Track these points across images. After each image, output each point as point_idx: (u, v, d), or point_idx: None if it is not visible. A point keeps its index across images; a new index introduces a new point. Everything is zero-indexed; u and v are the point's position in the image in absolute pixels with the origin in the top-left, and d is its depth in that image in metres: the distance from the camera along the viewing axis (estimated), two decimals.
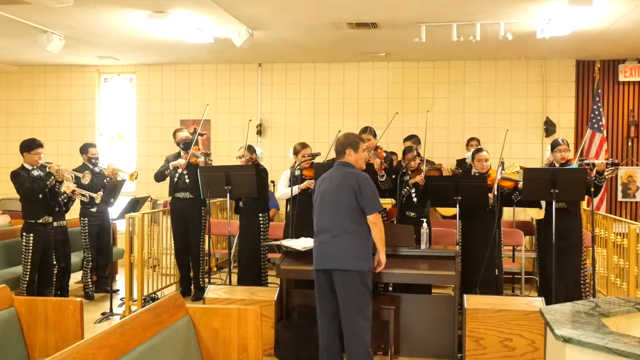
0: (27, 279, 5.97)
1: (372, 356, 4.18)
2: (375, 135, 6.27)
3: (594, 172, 5.57)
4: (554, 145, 5.94)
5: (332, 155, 6.47)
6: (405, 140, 6.90)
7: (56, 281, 6.46)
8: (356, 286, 4.13)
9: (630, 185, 8.61)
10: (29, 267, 5.97)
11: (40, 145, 6.11)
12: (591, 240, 5.57)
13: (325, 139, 8.59)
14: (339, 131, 7.03)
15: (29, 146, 6.06)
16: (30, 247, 5.97)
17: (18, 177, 5.96)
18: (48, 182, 6.01)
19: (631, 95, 8.64)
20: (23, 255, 5.99)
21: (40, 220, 6.05)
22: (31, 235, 5.98)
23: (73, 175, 6.52)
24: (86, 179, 6.50)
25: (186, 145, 6.75)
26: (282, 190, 6.19)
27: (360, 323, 4.13)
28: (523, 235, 6.89)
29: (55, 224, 6.44)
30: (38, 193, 5.96)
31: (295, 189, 5.88)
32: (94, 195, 6.62)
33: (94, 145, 7.31)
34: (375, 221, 4.18)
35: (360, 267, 4.13)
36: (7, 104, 10.03)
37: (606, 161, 5.56)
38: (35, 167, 6.09)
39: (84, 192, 6.62)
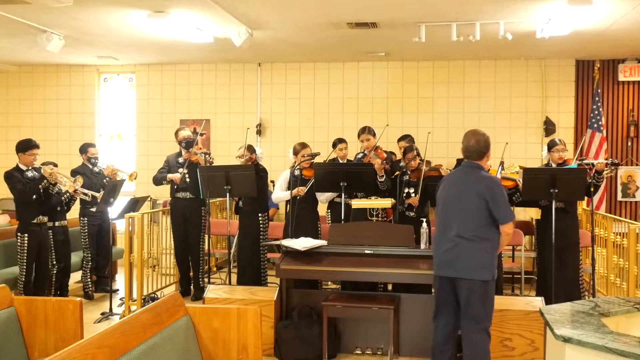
0: (24, 279, 5.97)
1: None
2: (374, 135, 6.27)
3: (593, 171, 5.57)
4: (551, 146, 5.94)
5: (330, 154, 6.52)
6: (399, 140, 6.91)
7: (56, 281, 6.47)
8: (479, 296, 3.98)
9: (630, 185, 8.62)
10: (24, 267, 5.97)
11: (35, 146, 6.10)
12: (591, 240, 5.58)
13: (325, 139, 8.60)
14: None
15: (25, 147, 6.05)
16: (25, 248, 5.96)
17: (11, 178, 5.95)
18: (40, 186, 6.01)
19: (631, 95, 8.64)
20: (19, 256, 5.99)
21: (35, 221, 6.04)
22: (25, 235, 5.98)
23: (65, 179, 6.50)
24: (78, 183, 6.48)
25: (188, 144, 6.76)
26: (277, 193, 6.20)
27: (481, 334, 4.00)
28: (523, 235, 6.89)
29: (56, 223, 6.44)
30: (30, 195, 5.95)
31: (288, 195, 5.94)
32: (97, 194, 6.62)
33: (93, 145, 7.31)
34: (510, 231, 3.99)
35: (484, 276, 3.97)
36: (7, 103, 10.02)
37: (606, 161, 5.56)
38: (29, 168, 6.08)
39: (86, 191, 6.63)
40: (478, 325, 3.99)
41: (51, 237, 6.38)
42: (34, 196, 5.98)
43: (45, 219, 6.17)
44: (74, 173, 6.83)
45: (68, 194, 6.46)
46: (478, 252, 3.96)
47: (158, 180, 6.85)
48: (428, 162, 6.97)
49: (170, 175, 6.75)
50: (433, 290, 4.27)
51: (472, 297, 3.97)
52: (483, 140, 4.08)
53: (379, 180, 5.89)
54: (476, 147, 4.07)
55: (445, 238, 4.07)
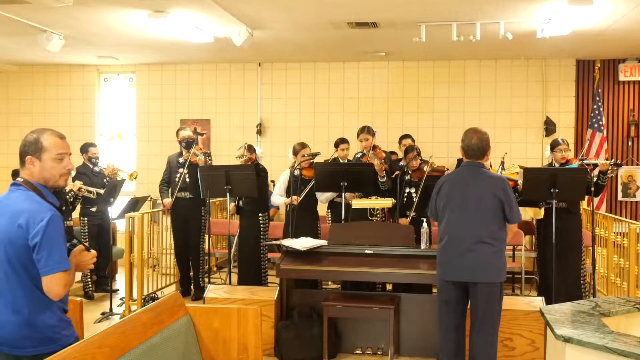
0: None
1: None
2: (373, 135, 6.26)
3: (597, 171, 5.57)
4: (554, 145, 5.93)
5: (332, 154, 6.51)
6: (401, 139, 6.91)
7: None
8: (497, 299, 3.93)
9: (630, 185, 8.61)
10: None
11: None
12: (591, 239, 5.57)
13: (325, 139, 8.59)
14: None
15: None
16: None
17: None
18: None
19: (631, 95, 8.63)
20: None
21: None
22: None
23: None
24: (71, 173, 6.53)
25: (188, 144, 6.76)
26: (275, 197, 6.22)
27: (495, 337, 3.97)
28: (523, 235, 6.88)
29: None
30: None
31: (285, 201, 6.04)
32: (101, 191, 6.66)
33: (93, 145, 7.31)
34: (515, 230, 4.11)
35: (502, 277, 3.94)
36: (7, 103, 10.02)
37: (609, 161, 5.55)
38: None
39: (90, 188, 6.67)
40: (494, 329, 3.96)
41: None
42: None
43: None
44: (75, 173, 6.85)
45: (72, 192, 6.50)
46: (497, 254, 3.93)
47: (160, 193, 6.99)
48: (428, 162, 6.99)
49: (164, 201, 6.87)
50: (438, 296, 4.13)
51: (491, 300, 3.91)
52: (485, 138, 4.04)
53: (380, 180, 5.88)
54: (479, 146, 4.01)
55: (459, 241, 3.94)
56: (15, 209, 2.59)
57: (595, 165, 5.59)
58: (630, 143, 8.63)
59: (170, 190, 6.93)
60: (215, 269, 8.21)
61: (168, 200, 6.82)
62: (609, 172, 5.55)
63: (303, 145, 6.12)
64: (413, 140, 6.85)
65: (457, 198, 4.00)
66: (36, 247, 2.49)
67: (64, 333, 2.64)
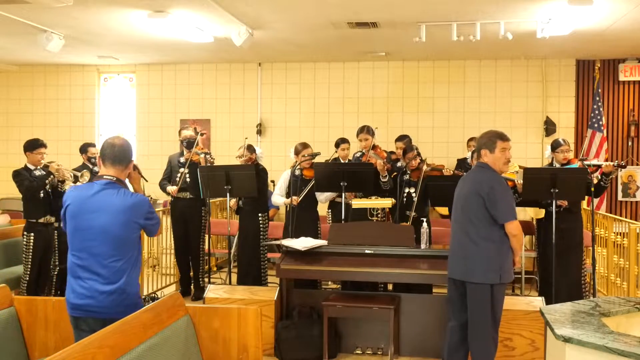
0: (27, 278, 5.97)
1: None
2: (373, 135, 6.25)
3: (600, 172, 5.56)
4: (556, 146, 5.91)
5: (332, 154, 6.51)
6: (396, 140, 6.91)
7: (57, 281, 6.46)
8: (487, 301, 3.89)
9: (630, 185, 8.61)
10: (29, 266, 5.98)
11: (42, 145, 6.14)
12: (591, 240, 5.57)
13: (325, 139, 8.60)
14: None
15: (31, 146, 6.11)
16: (31, 247, 5.97)
17: (18, 176, 6.00)
18: (47, 181, 6.03)
19: (631, 95, 8.64)
20: (24, 255, 6.00)
21: (41, 220, 6.05)
22: (32, 234, 5.98)
23: (72, 175, 6.53)
24: (84, 178, 6.50)
25: (189, 144, 6.76)
26: (276, 197, 6.21)
27: (487, 339, 3.92)
28: (523, 235, 6.86)
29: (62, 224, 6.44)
30: (36, 192, 5.97)
31: (285, 202, 6.04)
32: None
33: (93, 145, 7.29)
34: (514, 232, 3.89)
35: (489, 279, 3.87)
36: (7, 103, 10.02)
37: (613, 163, 5.54)
38: (37, 167, 6.12)
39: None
40: (485, 330, 3.92)
41: (56, 237, 6.38)
42: (42, 193, 6.00)
43: (53, 219, 6.18)
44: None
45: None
46: (481, 253, 3.90)
47: (162, 188, 6.91)
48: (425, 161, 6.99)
49: (169, 188, 6.79)
50: (447, 294, 4.26)
51: (481, 302, 3.90)
52: (477, 140, 4.22)
53: (382, 180, 5.87)
54: (476, 148, 4.21)
55: (454, 239, 4.09)
56: (120, 202, 3.15)
57: (598, 167, 5.58)
58: (630, 143, 8.63)
59: None
60: (215, 269, 8.21)
61: (173, 188, 6.73)
62: (612, 173, 5.54)
63: (305, 146, 6.11)
64: (410, 141, 6.84)
65: (456, 197, 4.16)
66: (147, 224, 3.22)
67: (140, 300, 3.21)
